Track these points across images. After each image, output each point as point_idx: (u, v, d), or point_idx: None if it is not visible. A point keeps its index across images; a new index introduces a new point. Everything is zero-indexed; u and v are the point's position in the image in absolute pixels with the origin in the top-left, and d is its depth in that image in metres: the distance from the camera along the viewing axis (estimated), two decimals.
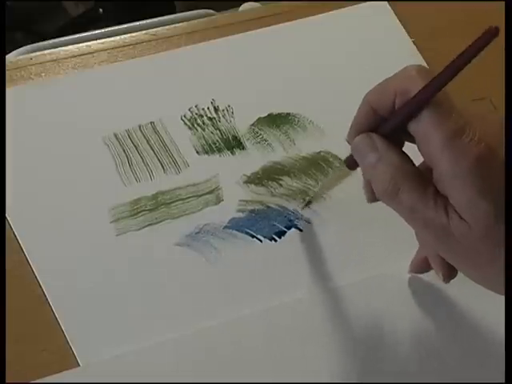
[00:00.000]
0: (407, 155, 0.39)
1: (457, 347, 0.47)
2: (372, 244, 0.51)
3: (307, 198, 0.52)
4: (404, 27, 0.63)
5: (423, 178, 0.38)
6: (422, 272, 0.48)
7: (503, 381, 0.37)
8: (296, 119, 0.57)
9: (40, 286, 0.48)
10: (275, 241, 0.51)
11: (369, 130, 0.40)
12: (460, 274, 0.41)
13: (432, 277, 0.48)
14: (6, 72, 0.57)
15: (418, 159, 0.39)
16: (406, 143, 0.40)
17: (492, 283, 0.38)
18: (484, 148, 0.35)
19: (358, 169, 0.42)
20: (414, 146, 0.38)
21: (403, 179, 0.37)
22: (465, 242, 0.36)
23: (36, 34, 1.25)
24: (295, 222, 0.52)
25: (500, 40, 0.45)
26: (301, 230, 0.52)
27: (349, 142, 0.41)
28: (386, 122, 0.39)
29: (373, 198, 0.42)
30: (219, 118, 0.57)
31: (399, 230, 0.52)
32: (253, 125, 0.57)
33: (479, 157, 0.35)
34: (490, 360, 0.46)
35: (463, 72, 0.61)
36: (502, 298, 0.37)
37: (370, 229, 0.52)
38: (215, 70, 0.59)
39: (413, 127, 0.37)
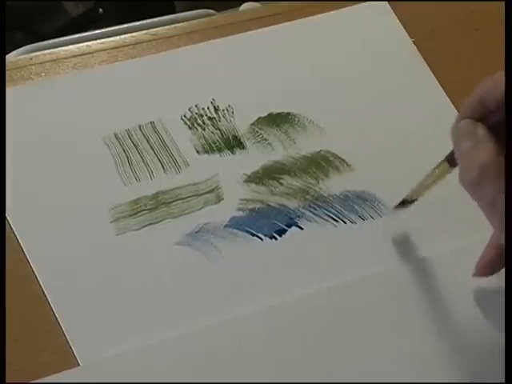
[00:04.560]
0: (503, 148, 0.38)
1: (457, 346, 0.47)
2: (372, 242, 0.51)
3: (402, 198, 0.50)
4: (404, 27, 0.63)
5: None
6: (490, 274, 0.47)
7: (503, 381, 0.37)
8: (296, 119, 0.57)
9: (40, 286, 0.48)
10: (276, 239, 0.51)
11: (474, 119, 0.39)
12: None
13: (434, 275, 0.48)
14: (6, 72, 0.57)
15: None
16: None
17: None
18: None
19: None
20: None
21: (491, 170, 0.36)
22: None
23: (36, 34, 1.25)
24: (296, 220, 0.52)
25: (500, 40, 0.45)
26: (301, 228, 0.52)
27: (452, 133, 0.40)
28: (493, 114, 0.38)
29: (484, 272, 0.43)
30: (219, 117, 0.57)
31: (399, 229, 0.52)
32: (253, 124, 0.57)
33: None
34: (490, 360, 0.46)
35: (464, 72, 0.61)
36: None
37: (370, 227, 0.52)
38: (215, 70, 0.59)
39: None
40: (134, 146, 0.55)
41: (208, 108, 0.57)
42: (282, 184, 0.54)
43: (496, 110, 0.38)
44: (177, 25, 0.62)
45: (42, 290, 0.48)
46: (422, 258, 0.50)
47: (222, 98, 0.57)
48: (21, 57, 0.61)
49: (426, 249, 0.51)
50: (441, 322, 0.48)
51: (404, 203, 0.50)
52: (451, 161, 0.42)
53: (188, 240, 0.51)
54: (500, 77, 0.39)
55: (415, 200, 0.49)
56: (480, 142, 0.38)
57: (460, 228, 0.52)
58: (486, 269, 0.47)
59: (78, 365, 0.46)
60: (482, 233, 0.45)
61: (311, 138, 0.56)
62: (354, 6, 0.64)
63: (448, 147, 0.42)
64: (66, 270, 0.49)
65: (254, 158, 0.55)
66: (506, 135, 0.37)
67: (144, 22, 0.73)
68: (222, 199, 0.53)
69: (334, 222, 0.52)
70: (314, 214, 0.52)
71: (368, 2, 0.64)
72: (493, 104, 0.38)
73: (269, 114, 0.57)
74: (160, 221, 0.51)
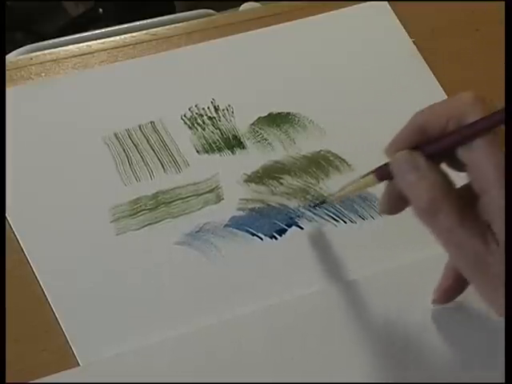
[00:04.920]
0: (448, 177, 0.39)
1: (460, 345, 0.47)
2: (373, 241, 0.51)
3: (321, 198, 0.52)
4: (404, 27, 0.63)
5: (463, 201, 0.37)
6: (447, 302, 0.47)
7: (503, 381, 0.37)
8: (296, 119, 0.57)
9: (40, 286, 0.48)
10: (276, 239, 0.51)
11: (410, 147, 0.40)
12: None
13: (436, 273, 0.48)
14: (6, 72, 0.57)
15: None
16: None
17: None
18: None
19: None
20: None
21: (444, 199, 0.37)
22: (501, 272, 0.36)
23: (36, 34, 1.25)
24: (296, 220, 0.52)
25: (500, 40, 0.45)
26: (301, 228, 0.52)
27: (387, 156, 0.41)
28: (433, 144, 0.39)
29: (386, 210, 0.42)
30: (219, 117, 0.57)
31: (398, 228, 0.52)
32: (253, 124, 0.57)
33: None
34: (490, 360, 0.46)
35: (464, 72, 0.61)
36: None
37: (370, 227, 0.52)
38: (215, 70, 0.59)
39: (465, 153, 0.37)
40: (134, 145, 0.55)
41: (208, 108, 0.57)
42: (282, 184, 0.54)
43: (437, 141, 0.39)
44: (177, 25, 0.62)
45: (42, 289, 0.48)
46: (424, 258, 0.50)
47: (222, 97, 0.57)
48: (21, 57, 0.61)
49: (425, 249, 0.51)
50: (442, 319, 0.48)
51: (321, 203, 0.52)
52: (380, 176, 0.43)
53: (188, 240, 0.51)
54: (441, 106, 0.39)
55: (331, 202, 0.51)
56: (424, 175, 0.38)
57: None
58: (443, 297, 0.47)
59: (78, 365, 0.46)
60: None
61: (311, 137, 0.56)
62: (354, 6, 0.64)
63: None
64: (66, 270, 0.49)
65: (254, 158, 0.55)
66: (505, 135, 0.37)
67: (144, 21, 0.73)
68: (222, 199, 0.53)
69: (334, 222, 0.52)
70: (314, 213, 0.52)
71: (368, 2, 0.64)
72: (435, 133, 0.39)
73: (269, 114, 0.57)
74: (160, 221, 0.51)
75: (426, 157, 0.39)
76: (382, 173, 0.42)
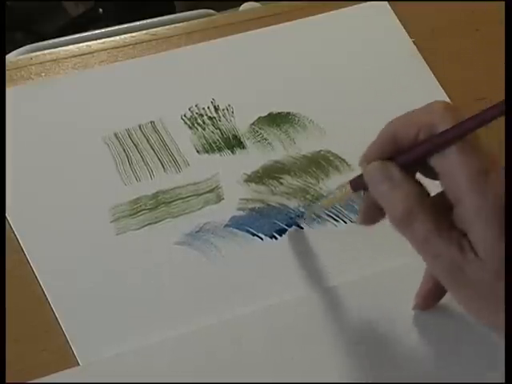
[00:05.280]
0: (423, 185, 0.39)
1: (456, 346, 0.47)
2: (373, 241, 0.51)
3: (301, 210, 0.52)
4: (404, 27, 0.63)
5: (438, 209, 0.37)
6: (428, 307, 0.47)
7: (503, 381, 0.37)
8: (296, 118, 0.57)
9: (40, 286, 0.48)
10: (276, 239, 0.51)
11: (383, 158, 0.40)
12: None
13: None
14: (6, 72, 0.57)
15: None
16: None
17: (501, 331, 0.36)
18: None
19: None
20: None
21: (418, 209, 0.37)
22: (477, 281, 0.36)
23: (36, 34, 1.25)
24: (296, 220, 0.52)
25: (500, 40, 0.45)
26: (302, 228, 0.52)
27: (361, 167, 0.41)
28: (406, 153, 0.39)
29: (364, 221, 0.42)
30: (219, 117, 0.57)
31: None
32: (253, 124, 0.57)
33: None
34: (490, 360, 0.46)
35: (464, 72, 0.61)
36: None
37: (370, 227, 0.52)
38: (215, 70, 0.59)
39: (437, 162, 0.37)
40: (134, 145, 0.55)
41: (208, 108, 0.57)
42: (282, 184, 0.54)
43: (409, 150, 0.39)
44: (177, 25, 0.62)
45: (42, 289, 0.48)
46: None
47: (221, 97, 0.57)
48: (21, 57, 0.61)
49: None
50: (441, 320, 0.48)
51: (300, 216, 0.51)
52: (355, 187, 0.43)
53: (188, 240, 0.51)
54: (411, 116, 0.39)
55: (311, 214, 0.51)
56: (397, 185, 0.38)
57: None
58: (423, 303, 0.47)
59: (78, 365, 0.46)
60: None
61: (311, 137, 0.56)
62: (354, 6, 0.64)
63: None
64: (66, 270, 0.49)
65: (254, 158, 0.55)
66: (505, 136, 0.37)
67: (144, 22, 0.73)
68: (222, 199, 0.53)
69: (335, 222, 0.52)
70: (315, 213, 0.52)
71: (368, 2, 0.64)
72: (407, 142, 0.39)
73: (269, 114, 0.57)
74: (160, 220, 0.51)
75: (400, 167, 0.39)
76: (357, 184, 0.42)
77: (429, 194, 0.39)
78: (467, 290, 0.37)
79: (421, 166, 0.39)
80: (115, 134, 0.55)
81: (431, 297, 0.46)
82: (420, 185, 0.39)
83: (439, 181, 0.38)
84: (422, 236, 0.37)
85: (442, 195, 0.38)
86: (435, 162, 0.37)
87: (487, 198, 0.35)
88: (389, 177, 0.39)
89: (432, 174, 0.39)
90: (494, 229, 0.35)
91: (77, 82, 0.57)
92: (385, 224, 0.52)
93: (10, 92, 0.55)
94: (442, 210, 0.37)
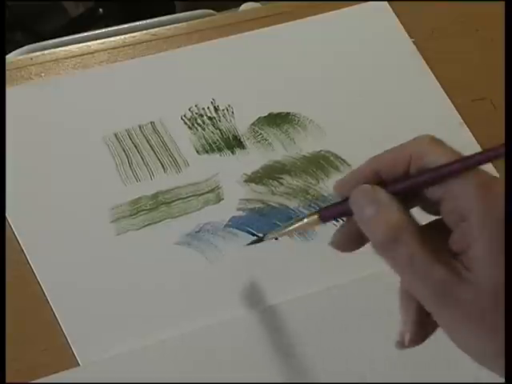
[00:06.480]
0: (408, 211, 0.38)
1: (453, 347, 0.47)
2: None
3: (260, 236, 0.46)
4: (404, 27, 0.63)
5: (425, 232, 0.37)
6: (416, 344, 0.41)
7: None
8: (296, 118, 0.57)
9: (40, 286, 0.48)
10: (276, 239, 0.51)
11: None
12: None
13: None
14: (6, 72, 0.57)
15: None
16: None
17: (490, 360, 0.35)
18: None
19: None
20: None
21: (403, 231, 0.36)
22: (467, 303, 0.34)
23: (36, 34, 1.25)
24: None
25: (500, 40, 0.45)
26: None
27: (337, 192, 0.40)
28: (399, 183, 0.38)
29: (340, 247, 0.40)
30: (219, 117, 0.57)
31: None
32: (253, 124, 0.57)
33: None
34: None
35: (464, 72, 0.61)
36: None
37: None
38: (215, 70, 0.59)
39: (437, 189, 0.37)
40: (134, 145, 0.55)
41: (208, 108, 0.57)
42: (282, 184, 0.54)
43: (400, 181, 0.38)
44: (177, 25, 0.62)
45: (42, 290, 0.48)
46: None
47: (222, 97, 0.57)
48: (21, 57, 0.61)
49: None
50: None
51: (259, 241, 0.46)
52: (325, 217, 0.41)
53: (188, 240, 0.51)
54: (400, 152, 0.39)
55: (269, 239, 0.46)
56: (383, 206, 0.37)
57: None
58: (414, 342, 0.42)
59: (78, 365, 0.46)
60: None
61: (311, 137, 0.56)
62: (354, 6, 0.64)
63: None
64: (66, 270, 0.49)
65: (254, 158, 0.55)
66: (505, 138, 0.37)
67: (144, 22, 0.73)
68: (222, 199, 0.53)
69: (335, 222, 0.52)
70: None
71: (368, 2, 0.64)
72: (394, 176, 0.38)
73: (269, 114, 0.57)
74: (160, 221, 0.51)
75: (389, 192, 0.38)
76: (328, 213, 0.40)
77: (414, 218, 0.38)
78: (456, 314, 0.35)
79: (414, 197, 0.38)
80: (115, 135, 0.55)
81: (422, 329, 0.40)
82: (407, 211, 0.39)
83: (426, 210, 0.38)
84: (406, 258, 0.36)
85: (429, 225, 0.38)
86: (435, 189, 0.37)
87: (492, 212, 0.35)
88: (375, 200, 0.38)
89: (419, 203, 0.38)
90: (497, 243, 0.35)
91: (77, 82, 0.57)
92: None
93: (10, 92, 0.55)
94: (429, 235, 0.37)
